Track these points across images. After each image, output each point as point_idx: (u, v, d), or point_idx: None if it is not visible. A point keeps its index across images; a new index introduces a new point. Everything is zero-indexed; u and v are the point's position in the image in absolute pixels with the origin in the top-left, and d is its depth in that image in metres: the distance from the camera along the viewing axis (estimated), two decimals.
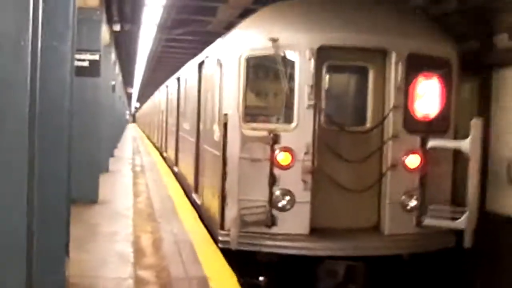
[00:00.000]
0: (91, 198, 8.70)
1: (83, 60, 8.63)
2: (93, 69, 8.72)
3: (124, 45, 16.49)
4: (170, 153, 15.41)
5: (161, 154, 20.18)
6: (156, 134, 23.66)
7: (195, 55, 14.01)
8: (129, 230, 6.91)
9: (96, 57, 8.70)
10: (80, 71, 8.63)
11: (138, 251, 5.89)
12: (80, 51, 8.64)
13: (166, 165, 15.92)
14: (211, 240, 6.70)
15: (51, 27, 4.24)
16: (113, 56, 14.87)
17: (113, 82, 16.39)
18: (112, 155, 16.90)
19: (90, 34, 8.71)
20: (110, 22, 11.43)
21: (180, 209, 8.62)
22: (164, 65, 23.27)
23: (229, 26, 13.56)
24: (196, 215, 8.18)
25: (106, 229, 6.98)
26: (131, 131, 40.24)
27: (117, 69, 19.85)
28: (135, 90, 40.67)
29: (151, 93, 32.34)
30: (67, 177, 4.56)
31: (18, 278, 3.01)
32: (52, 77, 4.19)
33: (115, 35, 13.51)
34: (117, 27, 11.86)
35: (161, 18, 11.74)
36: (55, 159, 4.28)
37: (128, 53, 18.83)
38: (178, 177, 12.52)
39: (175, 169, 13.40)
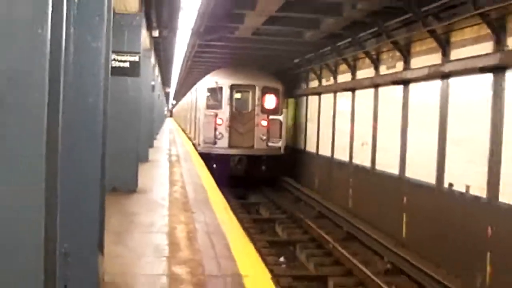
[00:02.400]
0: (131, 188, 7.94)
1: (124, 61, 7.83)
2: (133, 69, 7.92)
3: (162, 50, 15.71)
4: (189, 130, 25.36)
5: (186, 134, 27.47)
6: (183, 122, 33.28)
7: (223, 59, 19.18)
8: (165, 220, 6.11)
9: (136, 58, 7.89)
10: (121, 71, 7.87)
11: (173, 244, 5.06)
12: (121, 53, 7.88)
13: (189, 139, 23.15)
14: (242, 232, 5.88)
15: (85, 23, 3.45)
16: (152, 59, 14.07)
17: (152, 83, 15.67)
18: (151, 146, 16.20)
19: (130, 38, 7.94)
20: (149, 28, 10.60)
21: (212, 199, 7.79)
22: (196, 67, 22.60)
23: (254, 32, 12.65)
24: (227, 206, 7.38)
25: (143, 219, 6.18)
26: (169, 125, 39.62)
27: (156, 71, 19.10)
28: (172, 89, 40.22)
29: (185, 92, 33.05)
30: (101, 174, 3.71)
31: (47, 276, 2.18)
32: (84, 72, 3.42)
33: (154, 41, 12.71)
34: (155, 33, 11.05)
35: (195, 25, 10.86)
36: (89, 154, 3.52)
37: (166, 57, 18.06)
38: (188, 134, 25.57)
39: (189, 134, 24.16)
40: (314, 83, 17.59)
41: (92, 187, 3.61)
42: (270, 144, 16.92)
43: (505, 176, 7.41)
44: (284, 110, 18.19)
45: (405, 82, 10.65)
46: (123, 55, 7.81)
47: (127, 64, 7.84)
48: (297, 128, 19.64)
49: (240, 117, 17.01)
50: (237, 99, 17.30)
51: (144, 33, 9.54)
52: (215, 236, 5.51)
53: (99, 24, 3.48)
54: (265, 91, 17.21)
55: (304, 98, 18.75)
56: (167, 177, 9.73)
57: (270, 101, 17.27)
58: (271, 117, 16.99)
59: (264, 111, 17.06)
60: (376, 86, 12.14)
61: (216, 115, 16.70)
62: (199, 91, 18.56)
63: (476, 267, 7.85)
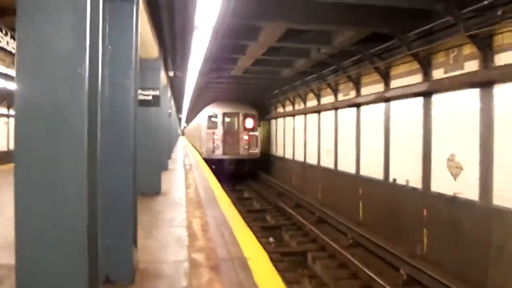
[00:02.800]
0: (156, 191, 7.58)
1: (148, 95, 7.50)
2: (155, 101, 7.61)
3: (176, 86, 15.38)
4: (196, 143, 25.73)
5: (194, 146, 28.47)
6: (192, 139, 32.72)
7: (221, 92, 19.31)
8: (183, 216, 5.76)
9: (157, 92, 7.58)
10: (146, 103, 7.53)
11: (191, 235, 4.73)
12: (145, 88, 7.54)
13: (195, 149, 24.94)
14: (243, 222, 5.57)
15: (117, 65, 3.17)
16: (169, 93, 13.73)
17: (169, 111, 15.29)
18: (170, 158, 15.79)
19: (152, 77, 7.62)
20: (166, 69, 10.30)
21: (219, 197, 7.46)
22: (201, 98, 22.37)
23: (245, 71, 12.41)
24: (231, 202, 7.06)
25: (167, 215, 5.83)
26: (181, 141, 39.11)
27: (172, 102, 18.73)
28: (183, 115, 40.24)
29: (193, 117, 34.74)
30: (133, 181, 3.40)
31: (90, 267, 1.92)
32: (118, 104, 3.14)
33: (170, 79, 12.39)
34: (171, 73, 10.74)
35: (201, 68, 10.58)
36: (124, 166, 3.27)
37: (179, 91, 17.70)
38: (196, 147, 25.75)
39: (196, 146, 25.06)
40: (279, 110, 19.00)
41: (127, 192, 3.33)
42: (250, 151, 19.07)
43: (435, 172, 7.24)
44: (259, 128, 19.96)
45: (357, 105, 10.50)
46: (147, 90, 7.49)
47: (150, 98, 7.52)
48: (268, 140, 21.45)
49: (229, 134, 19.03)
50: (227, 122, 19.22)
51: (162, 73, 9.25)
52: (223, 227, 5.20)
53: (128, 66, 3.21)
54: (245, 116, 19.22)
55: (273, 120, 20.42)
56: (183, 181, 9.36)
57: (249, 122, 19.24)
58: (250, 133, 19.15)
59: (245, 129, 19.12)
60: (336, 108, 11.98)
61: (213, 133, 18.94)
62: (202, 117, 20.28)
63: (415, 239, 7.63)
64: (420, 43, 7.25)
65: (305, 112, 14.95)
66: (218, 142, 18.73)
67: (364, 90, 10.24)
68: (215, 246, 4.32)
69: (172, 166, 12.89)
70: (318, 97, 13.49)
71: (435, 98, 7.18)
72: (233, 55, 10.09)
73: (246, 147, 18.89)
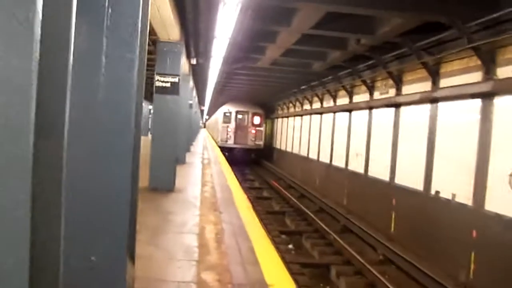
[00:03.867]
0: (169, 187, 6.95)
1: (166, 81, 6.89)
2: (174, 89, 6.98)
3: (199, 76, 14.77)
4: (214, 134, 30.15)
5: (212, 136, 32.47)
6: (211, 131, 36.90)
7: (245, 87, 19.29)
8: (196, 220, 5.11)
9: (176, 79, 6.94)
10: (163, 90, 6.91)
11: (203, 247, 4.06)
12: (164, 74, 6.93)
13: (213, 139, 29.32)
14: (264, 233, 4.85)
15: (116, 32, 2.47)
16: (191, 82, 13.14)
17: (190, 102, 14.73)
18: (188, 151, 15.26)
19: (172, 62, 6.98)
20: (188, 56, 9.66)
21: (237, 199, 6.77)
22: (225, 91, 21.88)
23: (273, 63, 11.64)
24: (250, 205, 6.36)
25: (177, 218, 5.18)
26: (202, 134, 38.80)
27: (194, 92, 18.20)
28: (206, 107, 39.82)
29: (214, 111, 36.60)
30: (132, 178, 2.66)
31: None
32: (116, 86, 2.43)
33: (192, 68, 11.77)
34: (193, 61, 10.09)
35: (225, 55, 9.88)
36: (121, 159, 2.45)
37: (202, 82, 17.12)
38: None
39: (214, 136, 29.28)
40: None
41: (122, 192, 2.55)
42: (256, 142, 23.80)
43: (491, 188, 6.27)
44: (264, 125, 24.45)
45: (397, 105, 9.55)
46: (166, 76, 6.87)
47: (168, 84, 6.90)
48: (271, 135, 25.97)
49: (240, 128, 23.72)
50: (239, 118, 23.80)
51: (184, 60, 8.62)
52: (240, 237, 4.50)
53: (132, 34, 2.50)
54: (253, 114, 23.90)
55: (276, 119, 24.91)
56: (199, 178, 8.73)
57: (257, 120, 23.87)
58: (257, 128, 23.87)
59: (253, 125, 23.82)
60: (370, 108, 11.06)
61: (228, 126, 23.64)
62: (219, 114, 25.42)
63: (459, 263, 6.70)
64: (484, 35, 6.26)
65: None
66: (231, 134, 23.53)
67: (406, 89, 9.28)
68: (230, 263, 3.62)
69: (190, 159, 12.33)
70: (351, 94, 12.57)
71: (499, 101, 6.19)
72: (262, 43, 9.32)
73: (253, 139, 23.70)
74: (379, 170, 10.23)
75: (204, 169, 10.46)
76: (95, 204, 2.36)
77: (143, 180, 7.04)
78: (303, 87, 16.81)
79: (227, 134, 23.31)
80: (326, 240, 9.61)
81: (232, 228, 4.86)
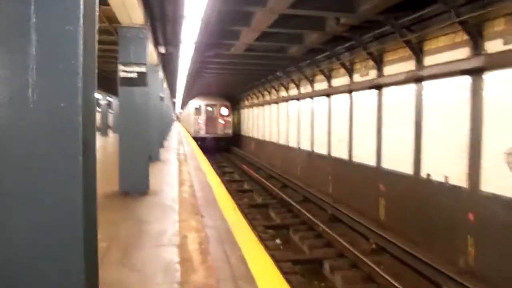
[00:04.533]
0: (142, 190, 6.28)
1: (131, 71, 6.15)
2: (141, 79, 6.24)
3: (169, 66, 13.94)
4: (187, 126, 31.76)
5: (186, 129, 33.61)
6: (184, 123, 38.65)
7: (220, 74, 17.84)
8: (175, 227, 4.50)
9: (143, 69, 6.21)
10: (129, 81, 6.18)
11: (186, 261, 3.48)
12: (128, 63, 6.19)
13: (187, 131, 30.75)
14: (255, 239, 4.31)
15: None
16: (160, 73, 12.31)
17: (161, 94, 13.91)
18: (162, 146, 14.48)
19: (137, 50, 6.23)
20: (156, 44, 8.89)
21: (219, 198, 6.19)
22: (197, 82, 21.19)
23: (248, 49, 11.00)
24: (235, 206, 5.79)
25: (153, 227, 4.55)
26: (176, 127, 37.76)
27: (165, 84, 17.30)
28: (178, 100, 38.90)
29: (186, 104, 36.58)
30: (84, 184, 1.94)
31: None
32: (54, 66, 1.77)
33: (162, 57, 10.97)
34: (162, 49, 9.31)
35: (196, 41, 9.16)
36: (65, 171, 1.76)
37: (173, 73, 16.27)
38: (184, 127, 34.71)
39: (187, 128, 30.89)
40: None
41: (71, 212, 1.84)
42: (225, 131, 26.67)
43: (487, 169, 5.99)
44: (231, 115, 27.19)
45: (379, 87, 9.17)
46: (130, 66, 6.13)
47: (134, 75, 6.17)
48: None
49: (210, 119, 26.36)
50: (208, 110, 26.38)
51: (151, 47, 7.86)
52: (228, 245, 3.94)
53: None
54: (221, 106, 26.58)
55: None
56: (176, 176, 8.08)
57: (224, 111, 26.63)
58: (225, 119, 26.61)
59: (221, 116, 26.53)
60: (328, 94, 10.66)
61: (198, 118, 26.29)
62: (190, 108, 27.56)
63: (456, 248, 6.44)
64: (470, 8, 5.90)
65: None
66: (202, 125, 26.24)
67: (388, 70, 8.91)
68: (220, 281, 3.06)
69: (165, 156, 11.61)
70: (329, 78, 12.15)
71: (489, 76, 5.87)
72: (236, 26, 8.66)
73: (222, 128, 26.53)
74: (364, 155, 9.91)
75: (181, 166, 9.79)
76: (34, 234, 1.73)
77: (112, 184, 6.35)
78: (278, 73, 16.30)
79: (199, 125, 26.25)
80: (315, 232, 9.23)
81: (217, 234, 4.30)
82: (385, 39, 8.62)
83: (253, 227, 9.33)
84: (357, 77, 10.41)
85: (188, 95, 30.83)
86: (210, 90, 25.22)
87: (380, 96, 9.21)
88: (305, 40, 9.96)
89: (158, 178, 7.74)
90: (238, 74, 17.58)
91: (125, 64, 6.11)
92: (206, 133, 26.03)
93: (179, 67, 13.84)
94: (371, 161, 9.52)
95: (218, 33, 9.18)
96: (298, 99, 15.30)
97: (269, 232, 9.57)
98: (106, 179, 7.13)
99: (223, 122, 26.35)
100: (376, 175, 9.26)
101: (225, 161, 22.80)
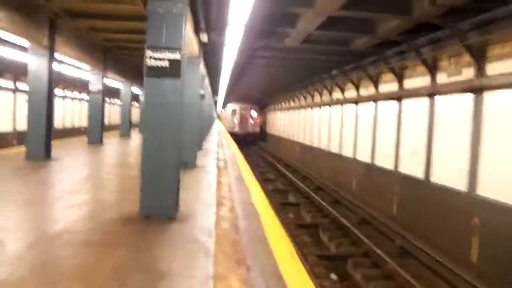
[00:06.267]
0: (169, 214, 4.80)
1: (162, 59, 4.68)
2: (174, 70, 4.74)
3: (212, 61, 12.57)
4: (225, 124, 39.48)
5: (224, 125, 39.45)
6: (224, 121, 43.17)
7: (261, 76, 18.72)
8: (209, 284, 2.96)
9: (177, 56, 4.72)
10: (159, 72, 4.76)
11: None
12: (159, 49, 4.77)
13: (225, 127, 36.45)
14: None
15: None
16: (202, 68, 10.88)
17: (201, 91, 12.58)
18: (200, 149, 13.17)
19: (170, 30, 4.73)
20: (197, 31, 7.47)
21: (269, 231, 4.57)
22: (237, 86, 21.84)
23: (305, 40, 9.32)
24: (292, 248, 4.15)
25: (177, 278, 3.04)
26: (217, 127, 36.93)
27: (206, 81, 16.03)
28: (220, 98, 39.16)
29: (228, 102, 41.29)
30: None
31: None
32: None
33: (203, 47, 9.56)
34: (204, 38, 7.86)
35: (245, 28, 7.63)
36: None
37: (215, 69, 14.96)
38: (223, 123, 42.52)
39: (225, 124, 39.03)
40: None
41: None
42: (254, 129, 35.09)
43: None
44: (259, 117, 35.30)
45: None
46: (161, 52, 4.68)
47: (165, 63, 4.71)
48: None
49: (242, 119, 34.80)
50: (241, 112, 34.61)
51: (190, 31, 6.43)
52: None
53: None
54: (251, 109, 34.70)
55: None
56: (214, 191, 6.56)
57: (254, 113, 35.19)
58: (255, 120, 35.12)
59: (251, 117, 34.97)
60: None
61: (234, 118, 34.42)
62: (229, 109, 35.99)
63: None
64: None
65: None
66: (236, 123, 34.92)
67: (493, 68, 6.87)
68: None
69: (203, 161, 10.22)
70: (401, 77, 10.15)
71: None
72: (294, 8, 7.02)
73: (251, 127, 35.14)
74: (449, 176, 7.88)
75: (220, 176, 8.30)
76: None
77: (132, 204, 4.98)
78: (333, 72, 14.46)
79: (234, 123, 35.06)
80: (382, 269, 7.38)
81: None
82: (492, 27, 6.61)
83: (303, 256, 7.66)
84: (442, 77, 8.39)
85: (229, 96, 35.59)
86: (245, 96, 32.19)
87: (478, 101, 7.17)
88: (378, 29, 8.12)
89: (192, 192, 6.29)
90: (287, 72, 15.97)
91: (154, 49, 4.67)
92: (239, 130, 34.62)
93: (223, 61, 12.46)
94: (460, 185, 7.50)
95: (272, 18, 7.60)
96: (356, 102, 13.38)
97: (322, 263, 7.86)
98: (126, 194, 5.77)
99: (252, 122, 35.40)
100: (467, 205, 7.24)
101: (268, 169, 21.37)
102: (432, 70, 8.63)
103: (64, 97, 25.85)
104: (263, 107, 35.39)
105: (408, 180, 9.54)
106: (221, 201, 5.92)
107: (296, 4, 6.77)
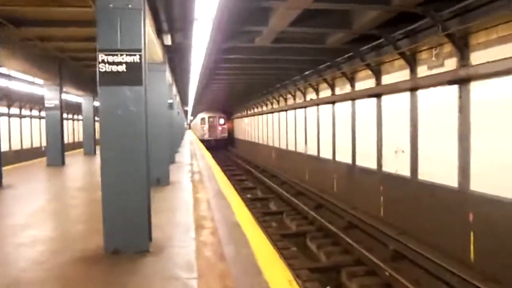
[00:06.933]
0: (141, 247, 4.06)
1: (118, 63, 3.96)
2: (133, 75, 4.05)
3: (178, 67, 11.83)
4: (195, 133, 41.46)
5: (194, 133, 42.56)
6: (194, 130, 44.95)
7: (225, 87, 19.87)
8: None
9: (136, 58, 4.01)
10: (114, 78, 4.04)
11: None
12: (114, 51, 4.07)
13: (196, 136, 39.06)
14: None
15: None
16: (168, 76, 10.07)
17: (170, 101, 11.77)
18: (173, 162, 12.37)
19: (126, 27, 4.04)
20: (160, 32, 6.77)
21: (260, 256, 3.92)
22: (204, 96, 22.29)
23: (277, 38, 8.79)
24: (291, 276, 3.53)
25: None
26: (188, 136, 36.04)
27: (174, 90, 15.22)
28: (190, 108, 40.85)
29: (196, 114, 44.63)
30: None
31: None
32: None
33: (168, 55, 8.85)
34: (167, 40, 7.16)
35: (213, 25, 6.97)
36: None
37: (183, 76, 14.19)
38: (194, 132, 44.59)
39: (195, 133, 41.24)
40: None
41: None
42: (222, 135, 38.20)
43: None
44: (227, 124, 38.41)
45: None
46: (117, 55, 3.96)
47: (122, 68, 3.99)
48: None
49: (211, 127, 37.91)
50: (210, 120, 37.91)
51: (151, 33, 5.73)
52: None
53: None
54: (219, 117, 38.07)
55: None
56: (191, 211, 5.84)
57: (222, 121, 38.21)
58: (222, 126, 38.24)
59: (219, 124, 38.12)
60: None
61: (203, 126, 37.84)
62: (198, 118, 39.29)
63: None
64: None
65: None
66: (206, 131, 37.74)
67: (478, 55, 6.57)
68: None
69: (176, 177, 9.44)
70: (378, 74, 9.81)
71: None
72: (265, 2, 6.45)
73: (220, 133, 38.16)
74: (438, 173, 7.53)
75: (196, 192, 7.57)
76: None
77: (98, 236, 4.19)
78: (307, 72, 14.06)
79: (204, 131, 37.81)
80: (379, 278, 6.88)
81: None
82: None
83: (293, 270, 7.04)
84: (423, 70, 8.07)
85: (199, 105, 37.65)
86: (213, 105, 35.75)
87: (463, 91, 6.85)
88: (354, 22, 7.70)
89: (167, 215, 5.55)
90: (254, 78, 15.48)
91: (107, 52, 3.94)
92: (209, 136, 37.39)
93: (192, 67, 11.73)
94: (451, 181, 7.15)
95: (241, 15, 6.99)
96: (333, 103, 13.00)
97: (314, 276, 7.29)
98: (91, 224, 4.99)
99: (220, 128, 38.28)
100: (461, 200, 6.89)
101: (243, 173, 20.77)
102: (412, 63, 8.31)
103: (21, 116, 24.12)
104: (230, 114, 38.93)
105: (393, 178, 9.17)
106: (200, 223, 5.21)
107: None
